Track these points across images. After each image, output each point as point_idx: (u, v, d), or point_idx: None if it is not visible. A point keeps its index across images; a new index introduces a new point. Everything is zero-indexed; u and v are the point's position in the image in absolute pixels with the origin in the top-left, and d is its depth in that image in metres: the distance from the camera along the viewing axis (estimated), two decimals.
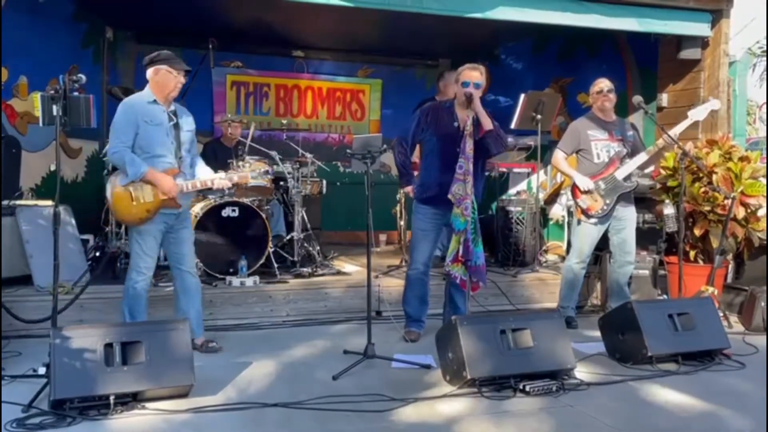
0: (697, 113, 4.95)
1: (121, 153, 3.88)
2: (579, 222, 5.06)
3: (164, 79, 3.97)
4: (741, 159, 5.37)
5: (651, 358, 3.98)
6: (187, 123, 4.18)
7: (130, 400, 3.23)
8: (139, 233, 4.01)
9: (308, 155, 6.35)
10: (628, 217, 5.02)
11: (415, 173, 4.81)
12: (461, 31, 6.99)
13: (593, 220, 4.95)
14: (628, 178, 4.93)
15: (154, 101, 3.99)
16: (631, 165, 4.92)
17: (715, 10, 6.05)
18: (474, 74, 4.39)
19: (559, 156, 5.07)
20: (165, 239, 4.14)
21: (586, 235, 5.02)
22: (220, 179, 4.18)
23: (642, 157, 4.92)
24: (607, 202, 4.90)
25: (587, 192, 4.92)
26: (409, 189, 4.76)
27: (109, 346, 3.24)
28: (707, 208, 5.34)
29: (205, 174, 4.23)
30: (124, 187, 3.91)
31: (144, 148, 3.94)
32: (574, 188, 5.01)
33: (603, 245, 5.26)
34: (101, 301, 4.72)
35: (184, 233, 4.20)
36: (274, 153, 6.08)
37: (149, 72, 4.00)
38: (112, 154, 3.94)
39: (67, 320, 4.18)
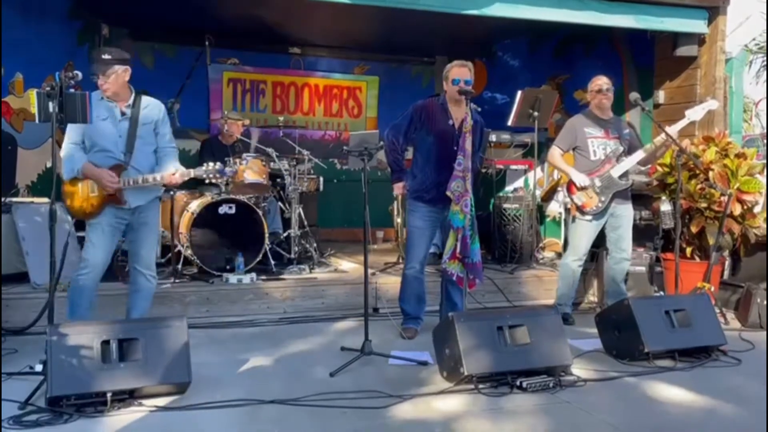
0: (695, 113, 4.94)
1: (64, 150, 3.94)
2: (574, 219, 5.06)
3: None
4: (737, 156, 5.39)
5: (648, 355, 3.99)
6: (146, 117, 4.03)
7: (127, 397, 3.22)
8: (89, 225, 4.00)
9: (305, 152, 6.35)
10: (625, 214, 5.02)
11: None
12: (458, 27, 6.97)
13: (588, 217, 4.96)
14: (623, 176, 4.93)
15: (102, 98, 3.95)
16: (627, 163, 4.91)
17: (712, 7, 6.04)
18: (463, 71, 4.38)
19: (555, 152, 5.07)
20: (126, 237, 4.12)
21: (582, 232, 5.02)
22: (170, 175, 3.96)
23: (638, 155, 4.92)
24: (602, 199, 4.90)
25: (582, 188, 4.92)
26: (400, 185, 4.66)
27: (106, 344, 3.24)
28: (704, 204, 5.35)
29: (163, 169, 4.05)
30: (71, 181, 3.96)
31: (91, 143, 3.95)
32: (570, 185, 5.01)
33: (600, 242, 5.27)
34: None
35: (142, 232, 4.07)
36: (270, 150, 6.08)
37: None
38: (61, 151, 3.97)
39: (63, 317, 4.15)
